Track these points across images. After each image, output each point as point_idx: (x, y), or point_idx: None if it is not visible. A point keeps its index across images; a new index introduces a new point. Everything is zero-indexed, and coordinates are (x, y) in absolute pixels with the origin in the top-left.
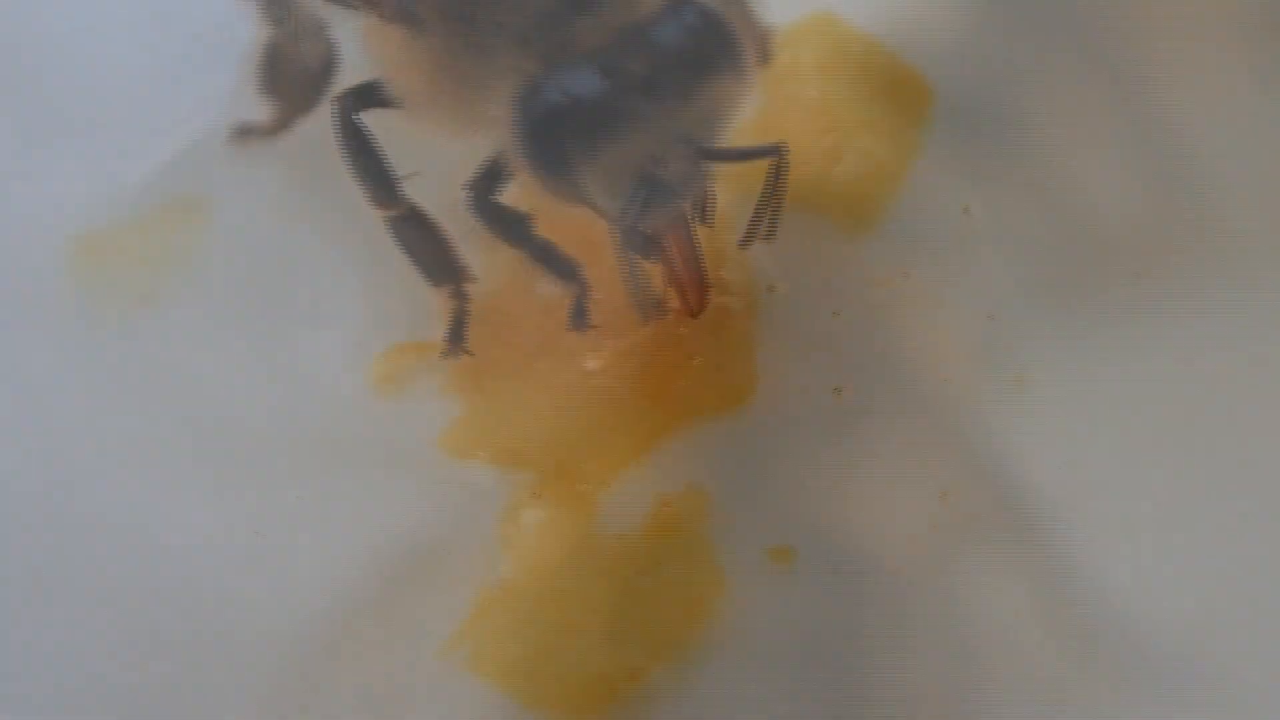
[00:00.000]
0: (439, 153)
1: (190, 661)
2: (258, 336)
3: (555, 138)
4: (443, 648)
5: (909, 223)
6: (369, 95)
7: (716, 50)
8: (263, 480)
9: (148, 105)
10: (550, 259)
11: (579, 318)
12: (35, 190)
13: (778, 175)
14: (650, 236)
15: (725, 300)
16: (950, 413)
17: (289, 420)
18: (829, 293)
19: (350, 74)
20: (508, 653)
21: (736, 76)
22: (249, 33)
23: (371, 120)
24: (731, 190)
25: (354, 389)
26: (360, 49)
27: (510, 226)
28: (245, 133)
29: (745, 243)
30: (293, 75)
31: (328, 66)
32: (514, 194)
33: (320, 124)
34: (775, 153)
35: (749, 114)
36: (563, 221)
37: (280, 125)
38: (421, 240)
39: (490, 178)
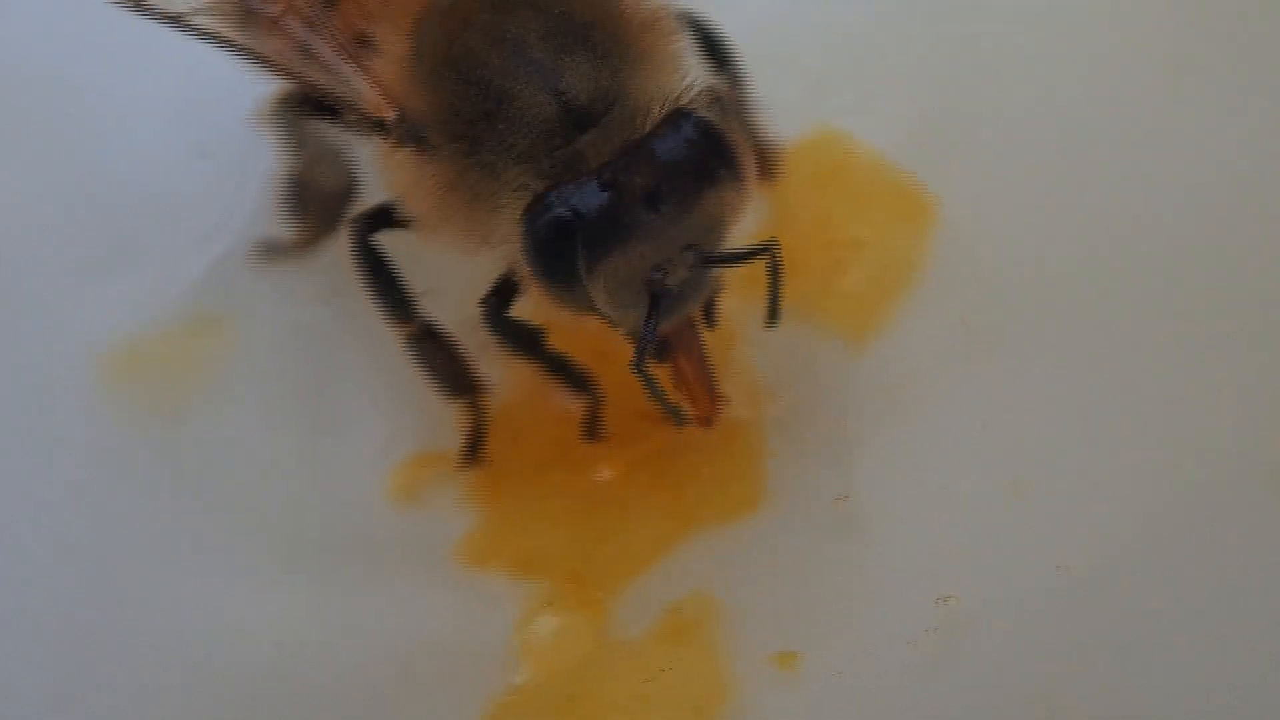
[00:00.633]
0: (454, 270)
1: None
2: (280, 449)
3: (563, 252)
4: None
5: (910, 333)
6: (383, 216)
7: (716, 161)
8: (284, 588)
9: (174, 226)
10: (564, 371)
11: (593, 428)
12: (65, 308)
13: (776, 266)
14: (661, 343)
15: (733, 410)
16: (949, 519)
17: (310, 530)
18: (832, 403)
19: (369, 195)
20: None
21: (736, 186)
22: (272, 156)
23: (389, 239)
24: (733, 297)
25: (373, 499)
26: (374, 172)
27: (524, 340)
28: (269, 252)
29: (772, 322)
30: (314, 198)
31: (348, 189)
32: (527, 308)
33: (341, 243)
34: (767, 248)
35: (753, 227)
36: (575, 334)
37: (305, 245)
38: (437, 355)
39: (503, 293)
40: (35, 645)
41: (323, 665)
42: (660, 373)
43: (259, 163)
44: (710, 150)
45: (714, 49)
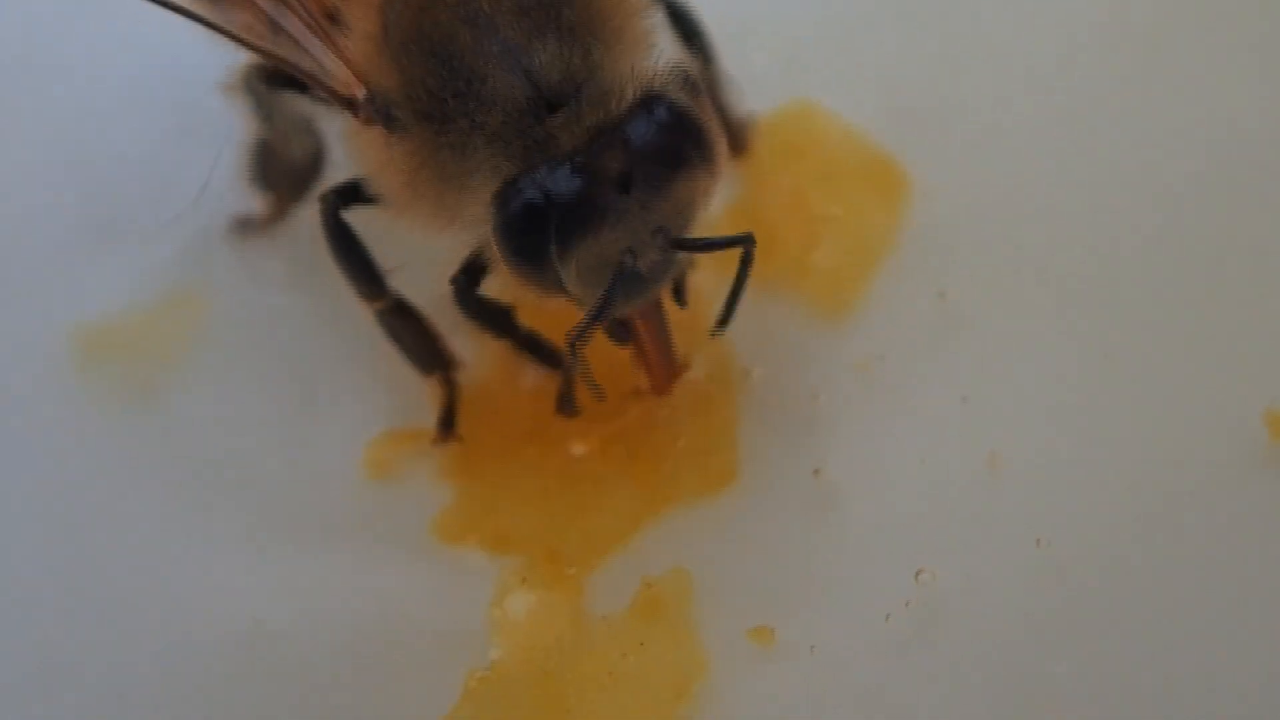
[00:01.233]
0: (424, 246)
1: None
2: (256, 426)
3: (534, 235)
4: None
5: (885, 307)
6: (353, 193)
7: (688, 145)
8: (262, 564)
9: (147, 206)
10: (534, 347)
11: (566, 403)
12: (38, 285)
13: (745, 263)
14: (622, 324)
15: (706, 385)
16: (926, 492)
17: (287, 505)
18: (807, 376)
19: (338, 169)
20: None
21: (708, 169)
22: (242, 129)
23: (359, 215)
24: (705, 273)
25: (350, 475)
26: (344, 147)
27: (494, 318)
28: (242, 225)
29: (720, 326)
30: (282, 169)
31: (315, 161)
32: (495, 286)
33: (314, 219)
34: (744, 241)
35: (727, 201)
36: (546, 311)
37: (274, 217)
38: (408, 331)
39: (473, 271)
40: (16, 619)
41: (300, 640)
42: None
43: (231, 142)
44: (682, 134)
45: (684, 24)
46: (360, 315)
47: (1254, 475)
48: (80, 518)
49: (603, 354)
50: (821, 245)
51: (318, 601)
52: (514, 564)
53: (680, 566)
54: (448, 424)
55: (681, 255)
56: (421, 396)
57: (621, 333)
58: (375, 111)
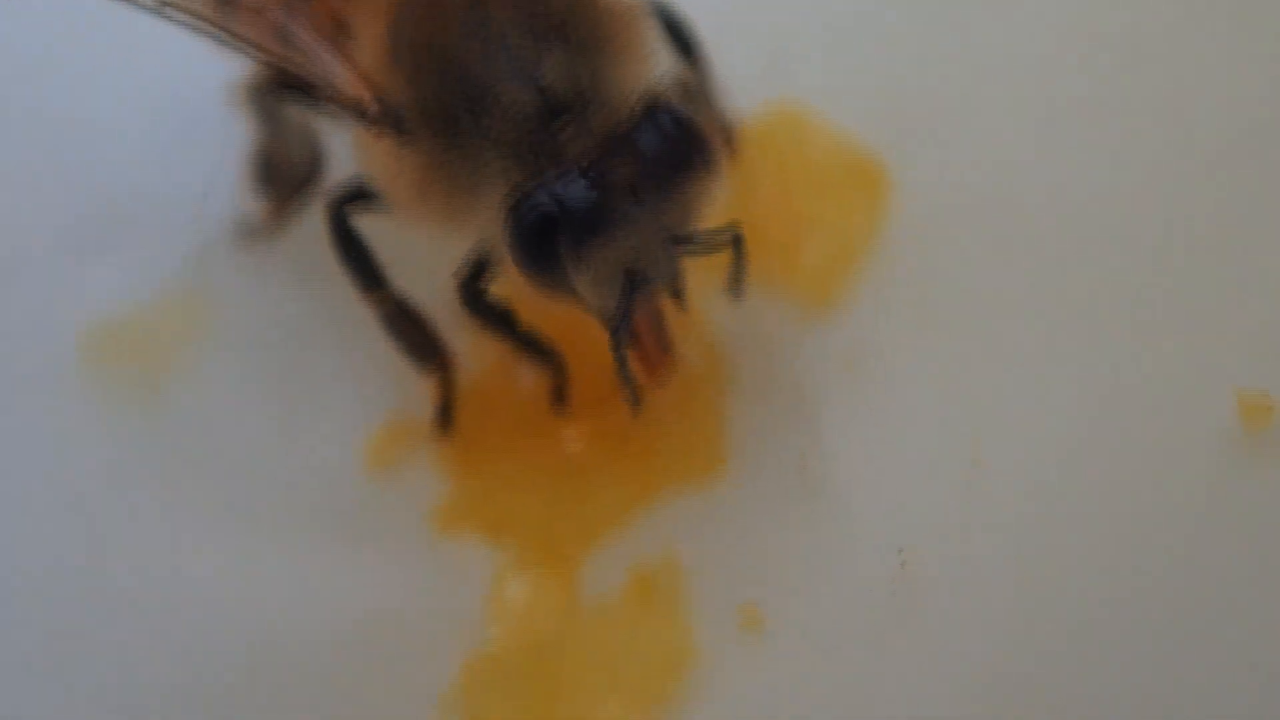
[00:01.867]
0: (424, 244)
1: None
2: (258, 419)
3: (548, 244)
4: (434, 711)
5: (870, 304)
6: (358, 194)
7: (692, 152)
8: (263, 556)
9: (150, 208)
10: (533, 346)
11: (559, 399)
12: (44, 290)
13: (739, 243)
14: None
15: (695, 377)
16: (908, 478)
17: (288, 500)
18: (794, 371)
19: (340, 172)
20: (493, 715)
21: (710, 174)
22: (244, 135)
23: (361, 214)
24: (695, 273)
25: (350, 469)
26: (351, 152)
27: (496, 317)
28: (243, 230)
29: (735, 294)
30: (284, 175)
31: (314, 165)
32: (498, 284)
33: (314, 219)
34: (730, 230)
35: (715, 203)
36: (543, 308)
37: (276, 221)
38: (408, 327)
39: (476, 271)
40: (21, 615)
41: (301, 631)
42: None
43: (234, 147)
44: (686, 142)
45: (679, 34)
46: (358, 313)
47: (1229, 464)
48: (85, 514)
49: (593, 349)
50: (807, 243)
51: (317, 590)
52: (510, 552)
53: (671, 552)
54: (445, 418)
55: (681, 254)
56: (420, 391)
57: (630, 332)
58: (385, 120)
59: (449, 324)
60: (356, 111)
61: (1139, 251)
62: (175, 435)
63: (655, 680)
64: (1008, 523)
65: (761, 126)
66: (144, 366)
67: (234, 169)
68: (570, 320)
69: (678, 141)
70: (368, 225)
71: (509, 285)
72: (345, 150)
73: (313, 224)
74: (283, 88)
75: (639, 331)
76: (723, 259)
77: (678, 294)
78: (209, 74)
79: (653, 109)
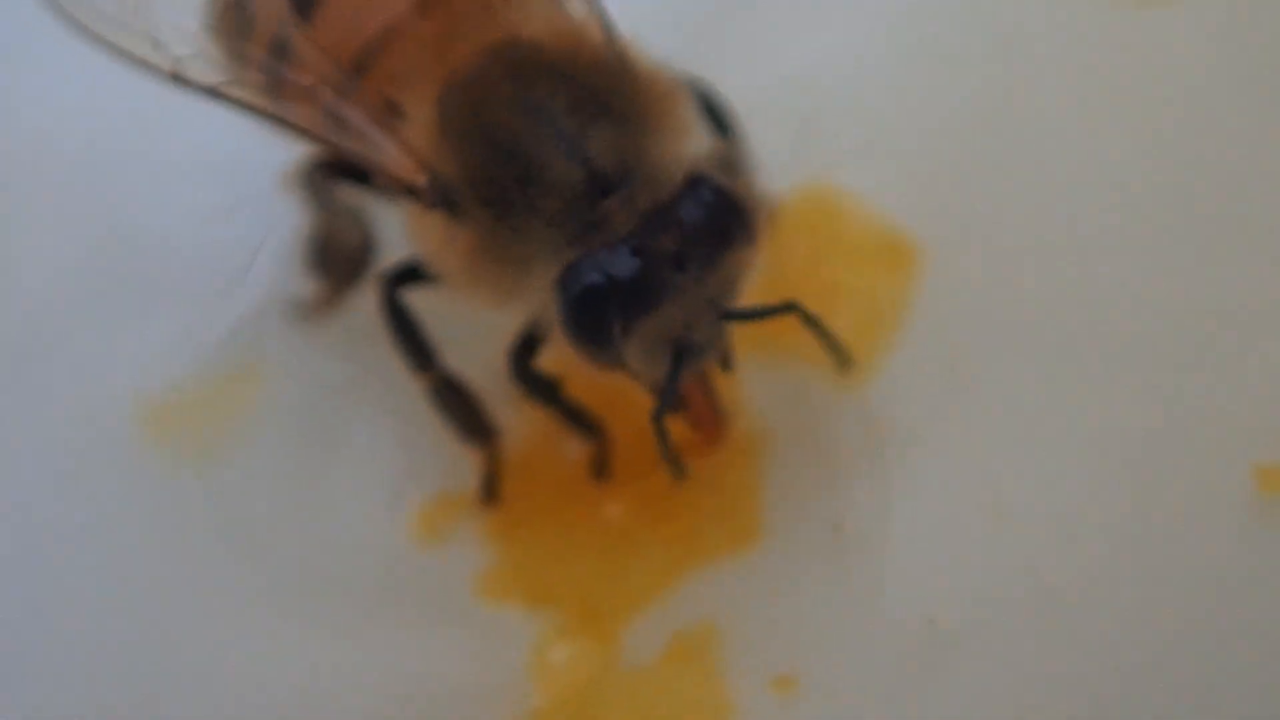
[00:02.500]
0: (471, 321)
1: None
2: (307, 494)
3: (598, 316)
4: None
5: (899, 375)
6: (410, 273)
7: (734, 223)
8: (310, 629)
9: (203, 280)
10: (578, 418)
11: (601, 468)
12: (100, 360)
13: (811, 320)
14: (680, 392)
15: (731, 447)
16: (936, 545)
17: (335, 572)
18: (825, 438)
19: (391, 252)
20: None
21: (752, 243)
22: (296, 214)
23: (413, 292)
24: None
25: (396, 540)
26: (401, 231)
27: (545, 390)
28: (295, 309)
29: (847, 369)
30: (337, 258)
31: (366, 248)
32: (550, 358)
33: (363, 299)
34: (791, 308)
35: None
36: (588, 380)
37: (328, 303)
38: (455, 403)
39: (528, 345)
40: (72, 683)
41: (347, 704)
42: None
43: (286, 220)
44: (728, 213)
45: (715, 112)
46: (405, 386)
47: (1248, 528)
48: (136, 587)
49: (634, 418)
50: (838, 314)
51: (363, 662)
52: (552, 619)
53: (708, 619)
54: (490, 489)
55: (729, 326)
56: (466, 464)
57: (680, 403)
58: (436, 197)
59: (494, 395)
60: (409, 190)
61: (1161, 322)
62: (227, 509)
63: None
64: (1032, 589)
65: (795, 204)
66: (196, 439)
67: (286, 243)
68: (612, 390)
69: (719, 212)
70: (420, 299)
71: (558, 357)
72: (396, 231)
73: (362, 296)
74: (334, 169)
75: (691, 399)
76: (759, 329)
77: (726, 363)
78: (260, 148)
79: (694, 181)
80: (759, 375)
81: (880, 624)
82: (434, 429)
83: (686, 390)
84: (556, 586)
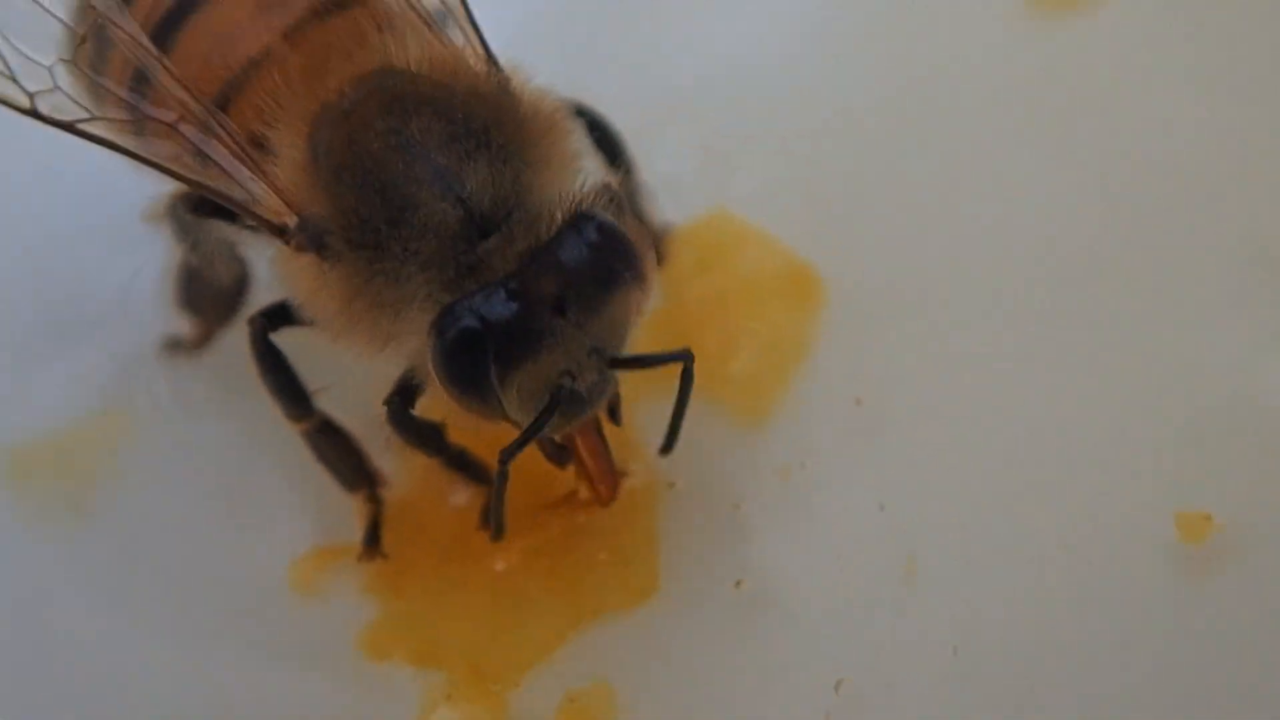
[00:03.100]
0: (350, 365)
1: None
2: (181, 543)
3: (472, 361)
4: None
5: (803, 414)
6: (283, 315)
7: (619, 263)
8: (190, 678)
9: (77, 324)
10: (463, 464)
11: (491, 520)
12: None
13: (686, 380)
14: (561, 445)
15: (629, 496)
16: (844, 601)
17: (214, 621)
18: (728, 486)
19: (264, 291)
20: None
21: (640, 285)
22: (166, 251)
23: (286, 335)
24: (626, 385)
25: (278, 591)
26: (273, 272)
27: (427, 437)
28: (170, 346)
29: (666, 450)
30: (210, 294)
31: (241, 284)
32: (427, 405)
33: (240, 337)
34: (683, 358)
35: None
36: (480, 430)
37: (201, 340)
38: (335, 450)
39: (406, 392)
40: None
41: None
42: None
43: (162, 261)
44: (613, 252)
45: (604, 140)
46: (286, 433)
47: (1168, 578)
48: (13, 632)
49: (526, 468)
50: (739, 354)
51: (243, 714)
52: (439, 679)
53: (603, 678)
54: (373, 540)
55: (616, 374)
56: (347, 514)
57: (560, 454)
58: (307, 239)
59: (377, 442)
60: (277, 230)
61: (1074, 361)
62: (101, 555)
63: None
64: (943, 641)
65: (693, 235)
66: (69, 485)
67: (154, 280)
68: (500, 440)
69: (603, 252)
70: (293, 349)
71: (440, 405)
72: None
73: (241, 339)
74: (203, 205)
75: (580, 452)
76: (660, 373)
77: (614, 415)
78: (133, 186)
79: (577, 220)
80: (655, 419)
81: (784, 684)
82: (315, 475)
83: (577, 443)
84: (443, 643)
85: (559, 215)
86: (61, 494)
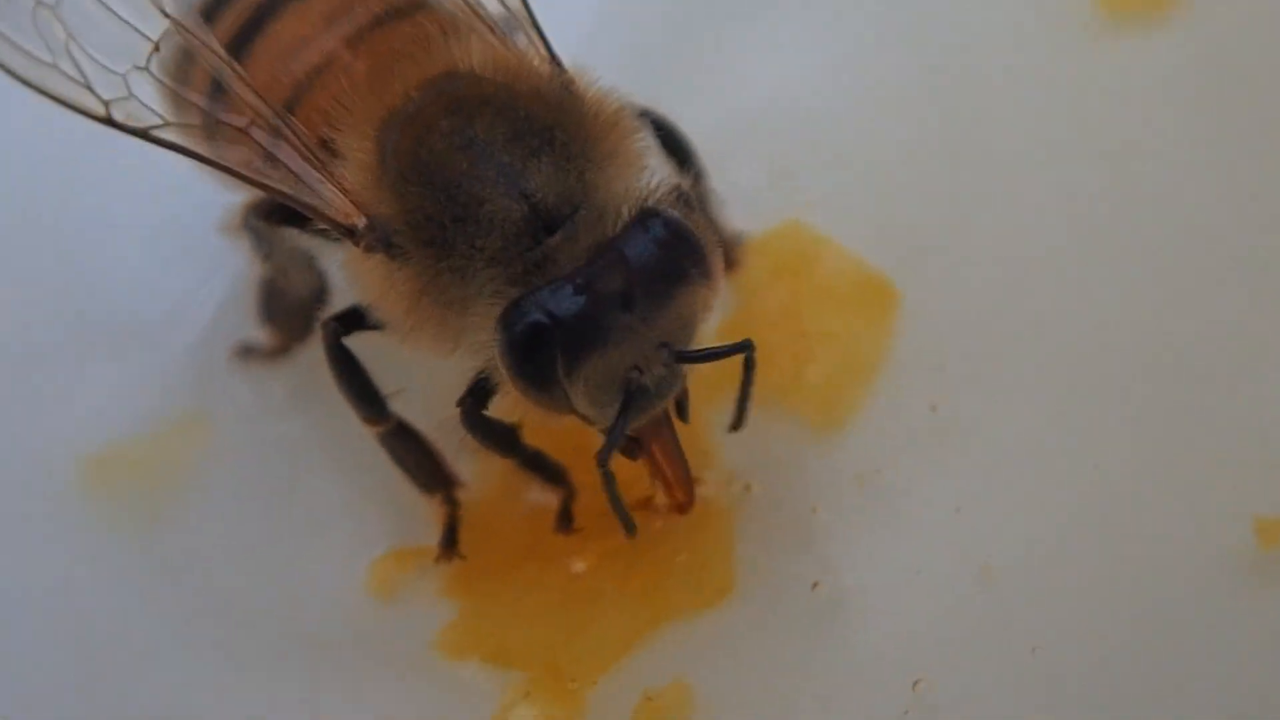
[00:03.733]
0: (424, 369)
1: None
2: (260, 548)
3: (541, 357)
4: None
5: (879, 421)
6: (355, 319)
7: (685, 260)
8: (266, 685)
9: (153, 331)
10: (538, 466)
11: (565, 520)
12: (47, 411)
13: (749, 368)
14: (633, 438)
15: (704, 499)
16: (921, 603)
17: (291, 627)
18: (804, 490)
19: (340, 298)
20: None
21: (706, 282)
22: (242, 258)
23: (361, 339)
24: (702, 389)
25: (353, 595)
26: (343, 275)
27: (501, 438)
28: (247, 355)
29: (735, 427)
30: (287, 303)
31: (318, 294)
32: (502, 406)
33: (316, 342)
34: (745, 349)
35: (720, 319)
36: (549, 428)
37: (279, 349)
38: (410, 453)
39: (479, 393)
40: None
41: None
42: (632, 466)
43: (236, 268)
44: (679, 249)
45: (674, 145)
46: (362, 438)
47: (1244, 583)
48: (87, 640)
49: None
50: (814, 361)
51: (324, 717)
52: (516, 679)
53: (681, 679)
54: (450, 542)
55: (684, 369)
56: (424, 516)
57: (633, 448)
58: (375, 239)
59: (452, 445)
60: (346, 231)
61: (1152, 367)
62: (178, 562)
63: None
64: (1020, 643)
65: (768, 245)
66: (145, 491)
67: (232, 288)
68: (577, 441)
69: (669, 249)
70: (368, 354)
71: (513, 405)
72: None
73: (316, 352)
74: (275, 213)
75: (657, 459)
76: (731, 376)
77: (680, 408)
78: (210, 193)
79: (644, 216)
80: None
81: (864, 686)
82: (392, 481)
83: (652, 449)
84: (520, 643)
85: (626, 212)
86: (141, 500)
